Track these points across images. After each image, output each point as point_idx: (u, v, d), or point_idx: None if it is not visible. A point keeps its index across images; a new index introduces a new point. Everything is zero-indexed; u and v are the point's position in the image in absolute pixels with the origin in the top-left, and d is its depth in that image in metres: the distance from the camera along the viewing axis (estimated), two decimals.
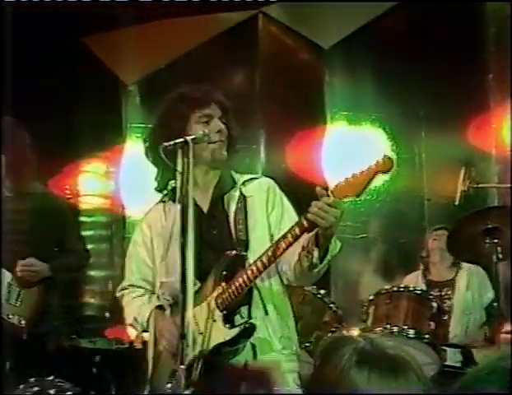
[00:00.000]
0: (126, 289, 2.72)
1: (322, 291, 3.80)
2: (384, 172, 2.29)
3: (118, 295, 2.77)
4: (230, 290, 2.49)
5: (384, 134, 4.89)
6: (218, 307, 2.50)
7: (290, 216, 2.57)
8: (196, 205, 2.58)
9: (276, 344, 2.50)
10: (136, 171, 5.01)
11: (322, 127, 4.78)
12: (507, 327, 3.28)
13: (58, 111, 4.75)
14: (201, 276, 2.51)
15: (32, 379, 1.67)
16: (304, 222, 2.33)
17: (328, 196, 2.27)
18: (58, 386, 1.63)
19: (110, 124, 5.04)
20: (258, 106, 4.78)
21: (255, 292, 2.53)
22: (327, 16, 4.83)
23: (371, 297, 3.67)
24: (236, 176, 2.68)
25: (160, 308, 2.57)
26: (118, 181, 5.08)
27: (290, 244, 2.38)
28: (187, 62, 4.74)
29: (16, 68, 4.63)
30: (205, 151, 2.54)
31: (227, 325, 2.48)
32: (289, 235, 2.38)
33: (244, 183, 2.65)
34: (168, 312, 2.55)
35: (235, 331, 2.46)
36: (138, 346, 2.68)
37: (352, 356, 1.15)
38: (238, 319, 2.53)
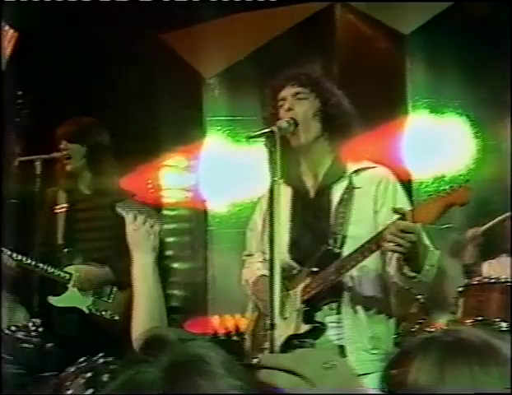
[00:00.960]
0: (248, 256, 2.77)
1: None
2: (461, 205, 2.24)
3: (243, 258, 2.79)
4: (314, 285, 2.47)
5: (467, 121, 4.74)
6: (302, 298, 2.49)
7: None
8: (304, 187, 2.56)
9: (365, 344, 2.47)
10: (216, 164, 5.06)
11: (403, 115, 4.68)
12: None
13: (139, 107, 4.85)
14: (301, 260, 2.50)
15: (82, 361, 1.67)
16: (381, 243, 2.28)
17: (403, 219, 2.21)
18: (112, 370, 1.61)
19: (190, 118, 5.10)
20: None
21: (346, 290, 2.49)
22: (406, 1, 4.72)
23: (461, 288, 3.57)
24: (350, 162, 2.57)
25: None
26: (199, 174, 5.14)
27: (367, 257, 2.36)
28: (265, 54, 4.74)
29: (97, 67, 4.77)
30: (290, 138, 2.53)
31: (303, 319, 2.47)
32: (368, 249, 2.34)
33: (356, 172, 2.55)
34: None
35: (305, 328, 2.45)
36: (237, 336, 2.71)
37: (439, 353, 1.10)
38: (319, 315, 2.51)
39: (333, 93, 2.59)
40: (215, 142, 5.08)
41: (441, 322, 3.73)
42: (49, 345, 1.85)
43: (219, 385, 0.88)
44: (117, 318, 3.41)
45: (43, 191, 3.55)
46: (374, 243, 2.34)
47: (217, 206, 5.06)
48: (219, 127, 5.06)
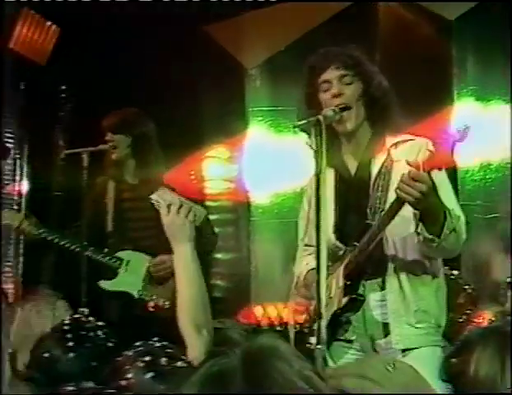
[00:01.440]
0: (299, 246, 2.77)
1: (455, 272, 3.69)
2: (460, 141, 2.19)
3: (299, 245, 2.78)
4: (352, 259, 2.46)
5: None
6: (344, 275, 2.47)
7: (442, 181, 2.40)
8: (346, 169, 2.54)
9: (410, 317, 2.42)
10: (259, 155, 5.07)
11: (448, 104, 4.59)
12: None
13: (181, 99, 4.87)
14: (346, 240, 2.48)
15: (139, 345, 1.70)
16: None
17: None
18: (169, 353, 1.64)
19: (233, 109, 5.11)
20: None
21: (390, 264, 2.46)
22: None
23: (509, 279, 3.51)
24: (389, 137, 2.51)
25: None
26: (242, 165, 5.15)
27: (392, 218, 2.32)
28: (307, 43, 4.70)
29: (139, 60, 4.80)
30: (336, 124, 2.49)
31: (345, 294, 2.46)
32: (390, 209, 2.31)
33: (394, 145, 2.50)
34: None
35: (344, 301, 2.43)
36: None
37: (499, 343, 1.08)
38: (362, 291, 2.49)
39: (375, 74, 2.55)
40: (257, 133, 5.08)
41: (489, 313, 3.67)
42: (101, 332, 1.87)
43: (295, 366, 0.92)
44: (166, 303, 3.47)
45: (90, 182, 3.61)
46: (396, 202, 2.31)
47: (260, 196, 5.07)
48: (261, 118, 5.05)
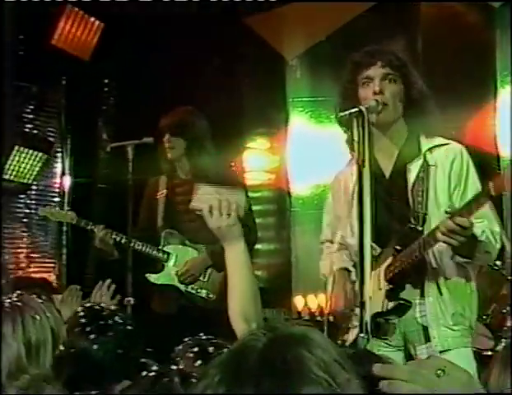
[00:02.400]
0: (324, 243, 2.80)
1: (498, 263, 3.65)
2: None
3: (321, 246, 2.82)
4: (397, 264, 2.47)
5: None
6: (386, 277, 2.49)
7: (474, 190, 2.47)
8: (379, 168, 2.56)
9: (447, 320, 2.49)
10: (299, 145, 5.07)
11: (492, 92, 4.52)
12: None
13: (222, 90, 4.91)
14: (381, 241, 2.50)
15: (188, 340, 1.75)
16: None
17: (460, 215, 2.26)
18: (215, 343, 1.69)
19: (273, 100, 5.13)
20: (421, 73, 4.62)
21: (429, 268, 2.50)
22: None
23: None
24: (424, 141, 2.57)
25: (345, 269, 2.62)
26: (283, 156, 5.17)
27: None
28: (347, 33, 4.69)
29: (181, 53, 4.85)
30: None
31: (387, 297, 2.48)
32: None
33: (430, 150, 2.55)
34: (353, 273, 2.58)
35: (390, 305, 2.46)
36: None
37: None
38: (403, 294, 2.52)
39: (417, 78, 2.58)
40: (298, 124, 5.09)
41: None
42: (118, 317, 1.90)
43: (320, 356, 0.93)
44: (212, 296, 3.53)
45: (143, 179, 3.73)
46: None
47: (301, 187, 5.08)
48: (301, 109, 5.06)
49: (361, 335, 2.28)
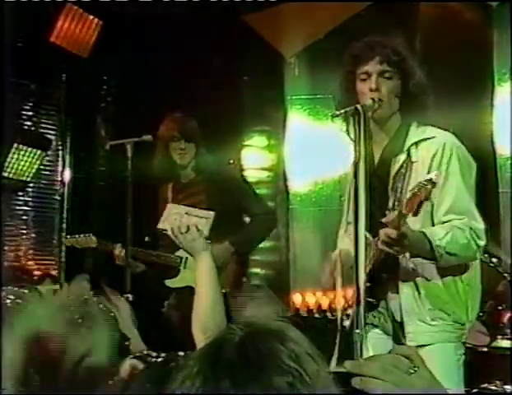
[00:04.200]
0: (342, 228, 2.81)
1: (494, 260, 3.66)
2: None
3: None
4: (373, 260, 2.48)
5: None
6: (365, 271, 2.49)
7: (453, 187, 2.43)
8: (372, 158, 2.57)
9: (424, 315, 2.46)
10: (297, 143, 5.09)
11: (489, 91, 4.54)
12: None
13: (221, 88, 4.92)
14: (373, 232, 2.51)
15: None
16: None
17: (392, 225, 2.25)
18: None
19: (271, 98, 5.14)
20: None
21: (403, 266, 2.49)
22: None
23: None
24: (411, 134, 2.54)
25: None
26: (281, 154, 5.19)
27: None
28: (345, 31, 4.69)
29: (180, 51, 4.86)
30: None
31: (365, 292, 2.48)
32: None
33: (415, 145, 2.52)
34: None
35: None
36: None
37: None
38: (378, 289, 2.52)
39: (416, 70, 2.55)
40: (296, 121, 5.10)
41: None
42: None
43: (294, 349, 0.99)
44: (225, 290, 3.57)
45: (154, 187, 3.81)
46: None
47: (299, 184, 5.10)
48: (300, 106, 5.07)
49: (357, 331, 2.29)
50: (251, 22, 4.95)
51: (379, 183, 2.56)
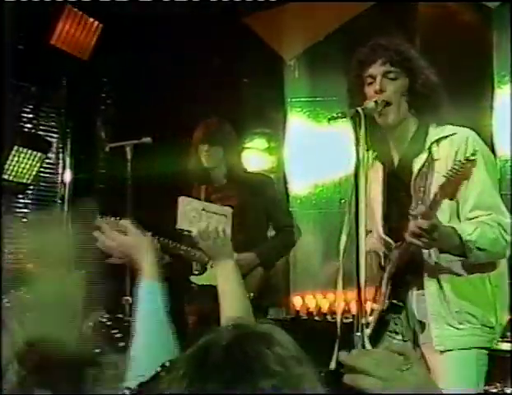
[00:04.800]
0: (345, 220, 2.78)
1: None
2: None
3: None
4: (397, 261, 2.46)
5: None
6: (388, 277, 2.48)
7: (481, 180, 2.37)
8: (393, 163, 2.55)
9: (450, 318, 2.41)
10: (297, 145, 5.09)
11: (489, 92, 4.54)
12: None
13: (220, 90, 4.92)
14: (394, 235, 2.49)
15: None
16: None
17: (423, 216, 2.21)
18: None
19: (271, 100, 5.14)
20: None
21: (428, 265, 2.44)
22: None
23: None
24: (432, 133, 2.48)
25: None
26: (281, 156, 5.19)
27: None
28: (345, 34, 4.70)
29: (180, 53, 4.86)
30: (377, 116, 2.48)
31: (388, 296, 2.47)
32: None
33: (436, 142, 2.46)
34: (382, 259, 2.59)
35: (386, 304, 2.44)
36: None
37: None
38: (403, 291, 2.50)
39: (423, 70, 2.51)
40: (296, 124, 5.11)
41: None
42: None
43: (280, 353, 1.01)
44: (251, 294, 3.56)
45: (135, 175, 3.73)
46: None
47: (299, 187, 5.10)
48: (300, 109, 5.08)
49: (357, 334, 2.28)
50: (251, 24, 4.95)
51: (399, 184, 2.53)
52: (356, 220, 2.31)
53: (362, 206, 2.31)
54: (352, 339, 2.34)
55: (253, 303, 3.40)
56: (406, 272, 2.47)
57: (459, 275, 2.43)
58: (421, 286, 2.45)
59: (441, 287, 2.42)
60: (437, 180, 2.36)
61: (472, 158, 2.18)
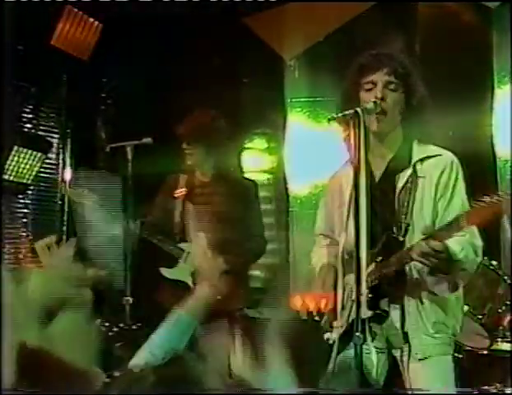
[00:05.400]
0: (317, 236, 2.83)
1: (494, 263, 3.66)
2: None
3: (314, 238, 2.87)
4: (378, 273, 2.48)
5: None
6: (367, 283, 2.50)
7: (459, 204, 2.47)
8: (371, 174, 2.57)
9: (428, 328, 2.50)
10: (297, 145, 5.09)
11: (489, 92, 4.54)
12: None
13: (220, 90, 4.92)
14: (371, 243, 2.51)
15: None
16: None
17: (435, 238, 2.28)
18: None
19: (271, 100, 5.15)
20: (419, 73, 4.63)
21: (410, 279, 2.51)
22: None
23: None
24: (416, 150, 2.56)
25: (332, 266, 2.65)
26: (281, 156, 5.19)
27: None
28: (345, 34, 4.71)
29: (180, 53, 4.87)
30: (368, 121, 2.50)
31: (367, 305, 2.48)
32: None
33: (421, 161, 2.54)
34: (340, 271, 2.61)
35: (368, 314, 2.46)
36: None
37: None
38: (384, 302, 2.52)
39: (419, 86, 2.58)
40: (296, 124, 5.11)
41: None
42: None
43: None
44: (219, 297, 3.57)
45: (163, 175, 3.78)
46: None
47: (299, 187, 5.10)
48: (300, 109, 5.08)
49: (357, 334, 2.29)
50: (251, 25, 4.96)
51: (382, 196, 2.56)
52: (357, 223, 2.32)
53: (363, 209, 2.33)
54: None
55: (220, 305, 3.47)
56: (386, 286, 2.51)
57: (437, 288, 2.50)
58: (401, 299, 2.52)
59: (421, 300, 2.51)
60: (420, 196, 2.46)
61: (508, 197, 2.21)
